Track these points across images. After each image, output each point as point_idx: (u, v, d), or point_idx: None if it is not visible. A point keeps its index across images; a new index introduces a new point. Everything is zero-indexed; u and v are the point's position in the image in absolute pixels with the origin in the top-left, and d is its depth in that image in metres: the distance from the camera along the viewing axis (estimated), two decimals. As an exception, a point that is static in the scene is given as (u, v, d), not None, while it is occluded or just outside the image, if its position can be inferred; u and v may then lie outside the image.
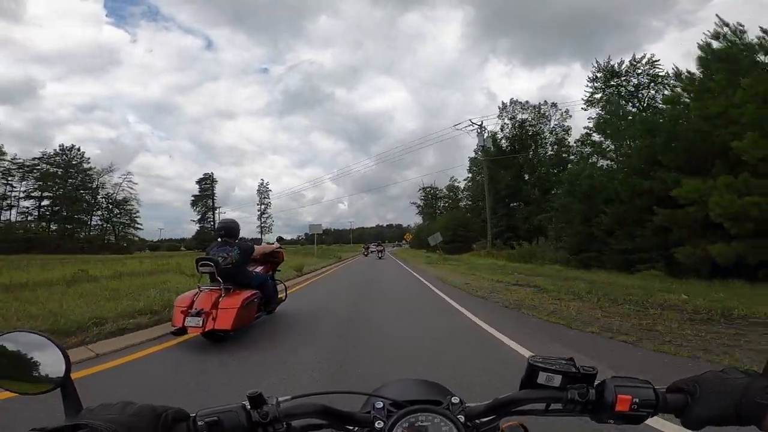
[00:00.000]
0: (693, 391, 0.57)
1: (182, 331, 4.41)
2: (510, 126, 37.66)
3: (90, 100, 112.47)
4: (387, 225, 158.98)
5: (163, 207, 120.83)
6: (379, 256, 31.48)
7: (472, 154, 45.85)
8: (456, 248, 34.55)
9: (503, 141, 37.93)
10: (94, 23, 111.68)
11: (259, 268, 5.69)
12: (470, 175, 48.73)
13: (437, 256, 26.65)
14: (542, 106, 38.16)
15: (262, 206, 77.20)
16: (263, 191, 78.43)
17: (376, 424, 0.59)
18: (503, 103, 39.17)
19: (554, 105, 38.11)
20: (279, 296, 6.18)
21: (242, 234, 5.55)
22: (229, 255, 4.91)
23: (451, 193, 61.19)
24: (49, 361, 0.57)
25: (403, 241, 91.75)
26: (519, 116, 37.92)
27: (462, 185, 55.80)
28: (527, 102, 38.67)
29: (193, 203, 75.82)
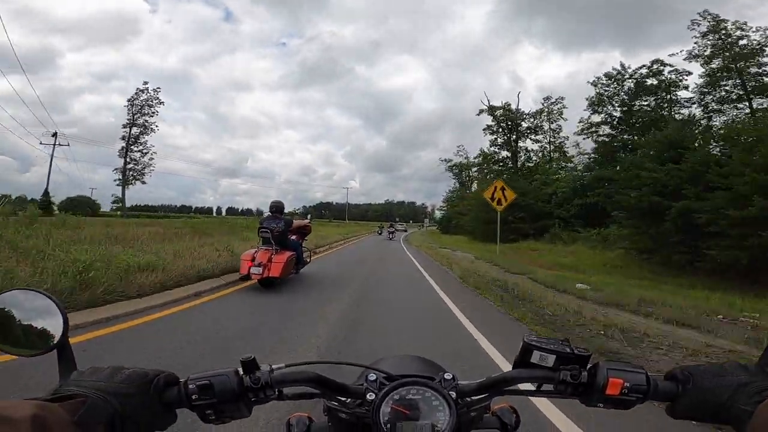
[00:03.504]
0: (685, 381, 0.55)
1: (247, 277, 6.42)
2: None
3: (108, 69, 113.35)
4: (398, 202, 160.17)
5: (178, 176, 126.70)
6: (390, 236, 29.93)
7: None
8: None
9: None
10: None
11: (293, 237, 7.67)
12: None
13: None
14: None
15: (133, 129, 37.87)
16: (140, 105, 39.04)
17: (367, 396, 0.61)
18: None
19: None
20: (306, 260, 8.18)
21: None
22: (277, 225, 6.88)
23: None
24: (48, 321, 0.55)
25: (426, 221, 70.92)
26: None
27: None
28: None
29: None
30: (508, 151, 36.07)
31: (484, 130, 36.72)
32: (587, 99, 29.52)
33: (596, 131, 29.59)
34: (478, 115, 36.47)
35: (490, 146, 36.86)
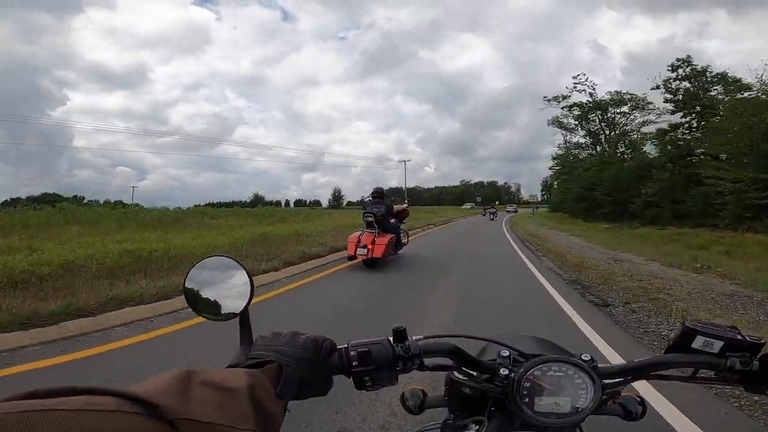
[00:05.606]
0: None
1: (353, 257, 7.00)
2: None
3: (193, 80, 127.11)
4: (475, 183, 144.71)
5: (263, 174, 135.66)
6: (492, 217, 31.62)
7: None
8: None
9: None
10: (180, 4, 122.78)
11: (393, 220, 8.09)
12: None
13: None
14: None
15: None
16: None
17: (500, 371, 0.60)
18: None
19: None
20: (403, 241, 8.58)
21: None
22: (379, 210, 7.35)
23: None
24: (237, 288, 0.59)
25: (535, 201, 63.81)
26: None
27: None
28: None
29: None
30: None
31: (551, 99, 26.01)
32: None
33: None
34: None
35: None
